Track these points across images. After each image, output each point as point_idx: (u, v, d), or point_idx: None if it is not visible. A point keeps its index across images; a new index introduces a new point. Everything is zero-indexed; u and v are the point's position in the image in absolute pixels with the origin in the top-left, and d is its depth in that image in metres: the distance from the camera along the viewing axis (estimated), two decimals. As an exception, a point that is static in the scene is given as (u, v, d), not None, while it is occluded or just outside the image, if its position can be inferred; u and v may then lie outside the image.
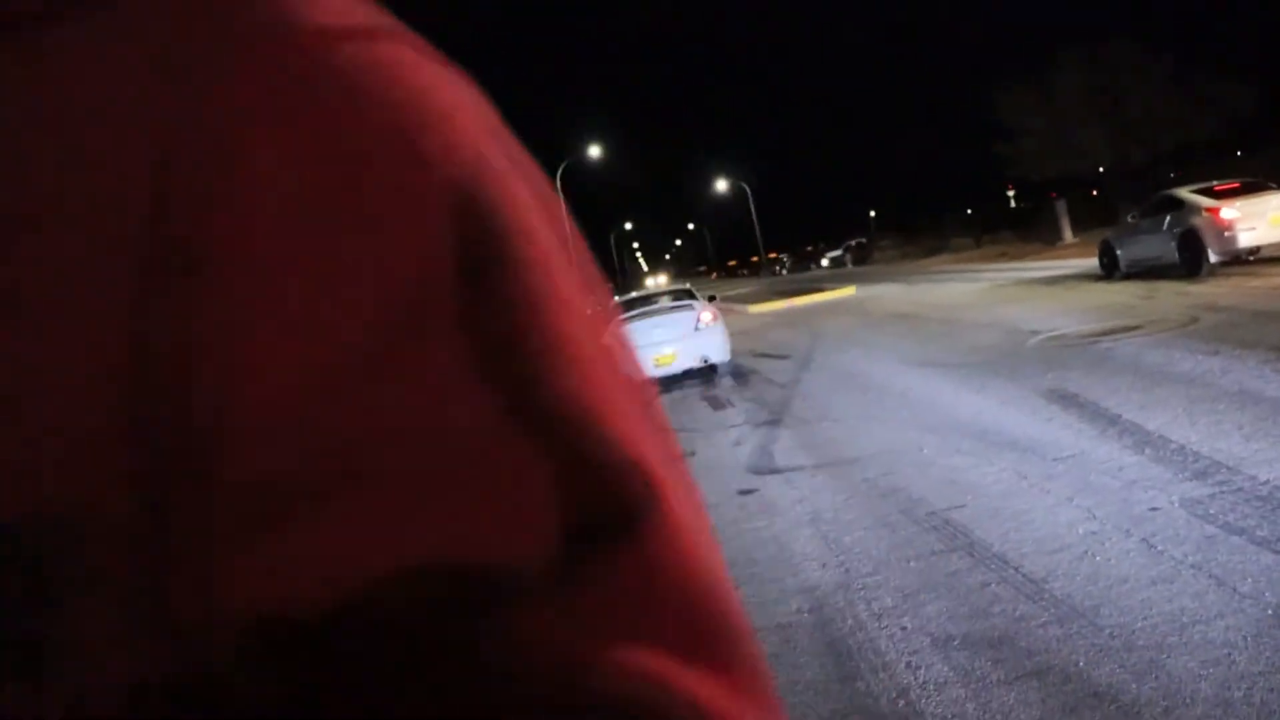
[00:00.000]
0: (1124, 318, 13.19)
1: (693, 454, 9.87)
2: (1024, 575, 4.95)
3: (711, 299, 17.33)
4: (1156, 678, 3.74)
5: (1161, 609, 4.28)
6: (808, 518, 6.72)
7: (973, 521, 5.91)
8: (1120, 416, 7.65)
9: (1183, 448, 6.56)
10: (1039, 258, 31.77)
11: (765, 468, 8.55)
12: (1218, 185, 17.01)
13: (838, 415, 10.31)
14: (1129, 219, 18.77)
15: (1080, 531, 5.39)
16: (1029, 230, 45.37)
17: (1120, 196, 40.22)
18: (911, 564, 5.41)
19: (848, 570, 5.54)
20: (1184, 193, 17.16)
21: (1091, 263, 22.45)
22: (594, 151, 53.30)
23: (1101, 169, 43.27)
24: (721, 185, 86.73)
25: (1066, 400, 8.63)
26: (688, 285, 18.92)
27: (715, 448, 9.97)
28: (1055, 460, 6.85)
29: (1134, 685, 3.72)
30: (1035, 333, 13.22)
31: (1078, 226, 36.86)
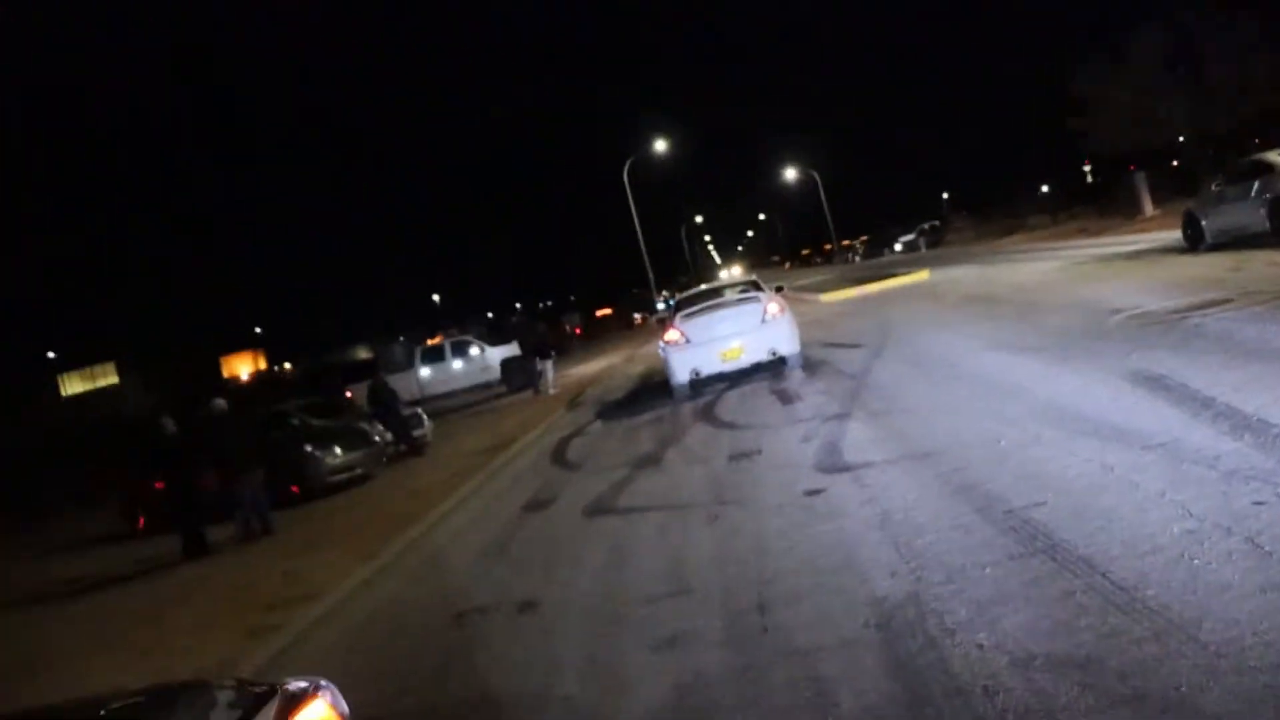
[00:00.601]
0: (1212, 291, 12.41)
1: (759, 452, 9.45)
2: (1113, 582, 4.45)
3: (779, 290, 16.82)
4: (1276, 707, 3.25)
5: (1275, 621, 3.76)
6: (877, 520, 6.26)
7: (1054, 521, 5.40)
8: (1214, 399, 7.03)
9: (1285, 432, 5.98)
10: (1119, 232, 30.56)
11: (834, 465, 8.08)
12: (1308, 147, 16.02)
13: (910, 406, 9.79)
14: (1213, 187, 17.79)
15: (1175, 531, 4.86)
16: (1107, 205, 43.83)
17: (1201, 166, 38.68)
18: (988, 571, 4.94)
19: (919, 578, 5.08)
20: (1274, 156, 16.19)
21: (1174, 235, 21.40)
22: (660, 145, 52.75)
23: (1181, 139, 41.68)
24: (791, 174, 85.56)
25: (1153, 383, 8.01)
26: (754, 277, 18.45)
27: (783, 444, 9.52)
28: (1144, 449, 6.28)
29: (1248, 716, 3.23)
30: (1117, 311, 12.50)
31: (1158, 199, 35.44)
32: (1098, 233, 33.71)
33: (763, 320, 14.95)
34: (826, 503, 7.01)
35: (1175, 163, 41.79)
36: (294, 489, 14.71)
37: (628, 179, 56.23)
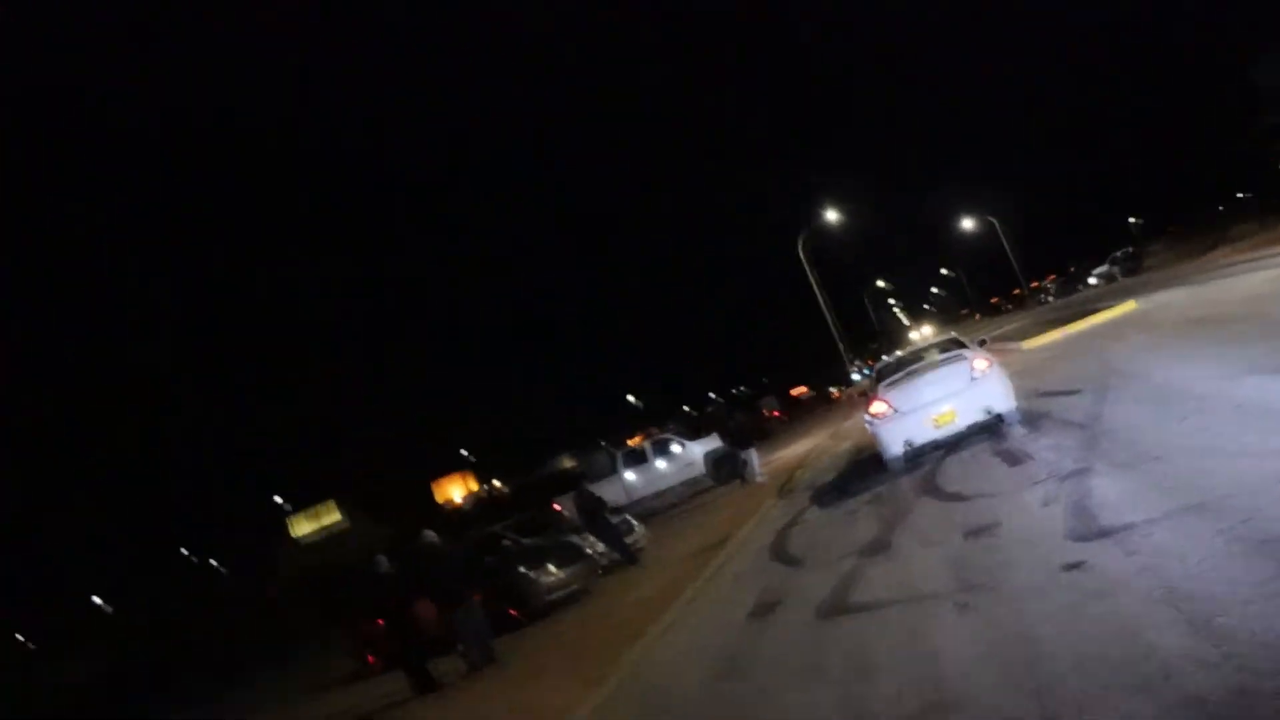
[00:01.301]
0: None
1: (998, 525, 8.51)
2: None
3: (982, 343, 15.77)
4: None
5: None
6: (1160, 593, 5.31)
7: (1396, 575, 4.40)
8: None
9: None
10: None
11: (1089, 531, 7.11)
12: None
13: (1160, 451, 8.66)
14: None
15: None
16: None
17: None
18: (1331, 650, 3.99)
19: (1239, 667, 4.16)
20: None
21: None
22: (832, 215, 52.14)
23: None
24: (968, 224, 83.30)
25: None
26: (953, 334, 17.41)
27: (1023, 513, 8.56)
28: None
29: None
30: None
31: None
32: (1317, 232, 30.95)
33: (971, 378, 13.93)
34: (1092, 577, 6.07)
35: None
36: (512, 612, 14.43)
37: (802, 252, 55.62)
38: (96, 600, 62.91)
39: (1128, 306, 29.03)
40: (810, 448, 27.64)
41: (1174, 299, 26.43)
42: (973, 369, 14.02)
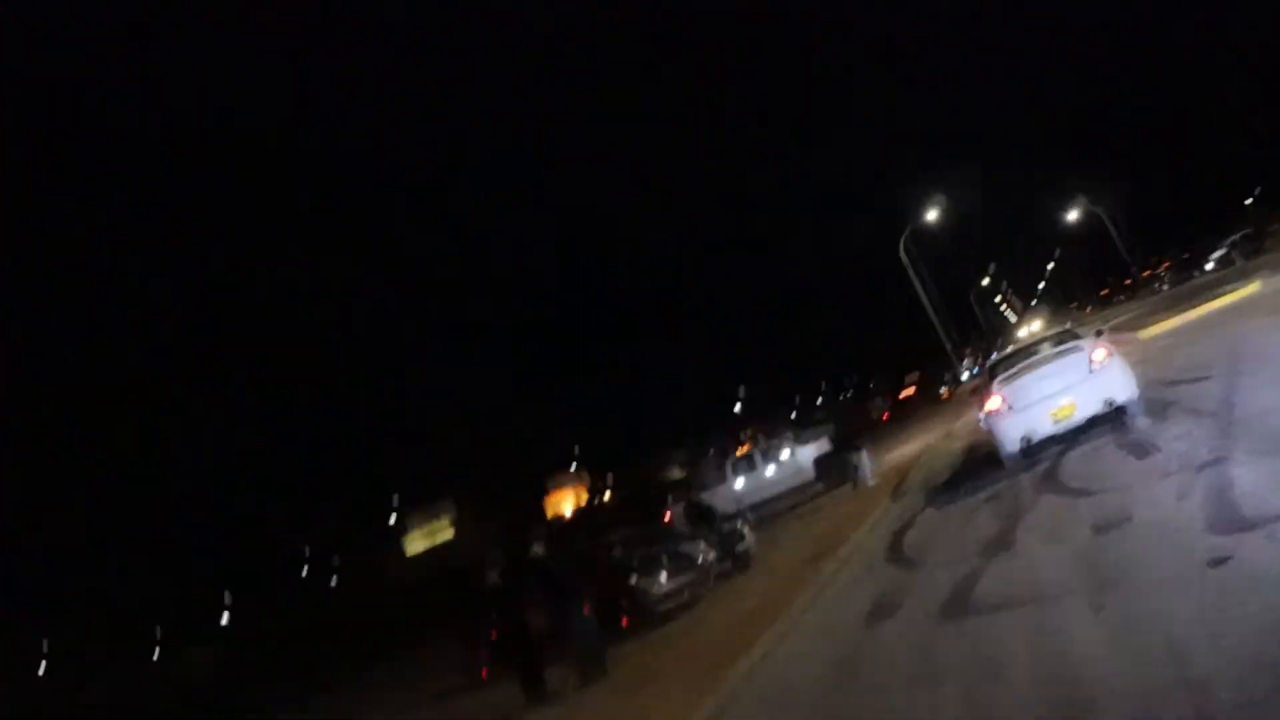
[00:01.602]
0: None
1: (1129, 520, 8.06)
2: None
3: (1098, 334, 15.13)
4: None
5: None
6: (1321, 588, 4.91)
7: None
8: None
9: None
10: None
11: (1232, 523, 6.65)
12: None
13: (1303, 438, 8.14)
14: None
15: None
16: None
17: None
18: None
19: None
20: None
21: None
22: (933, 214, 51.27)
23: None
24: (1073, 215, 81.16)
25: None
26: (1067, 325, 16.77)
27: (1155, 505, 8.09)
28: None
29: None
30: None
31: None
32: None
33: (1090, 370, 13.35)
34: (1241, 573, 5.65)
35: None
36: (624, 621, 14.28)
37: (904, 251, 54.70)
38: (226, 598, 64.44)
39: (1251, 288, 27.72)
40: (922, 447, 26.96)
41: (1301, 279, 25.19)
42: (1091, 360, 13.45)
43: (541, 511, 76.62)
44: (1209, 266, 61.06)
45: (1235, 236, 60.75)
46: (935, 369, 65.61)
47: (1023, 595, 7.35)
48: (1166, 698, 4.49)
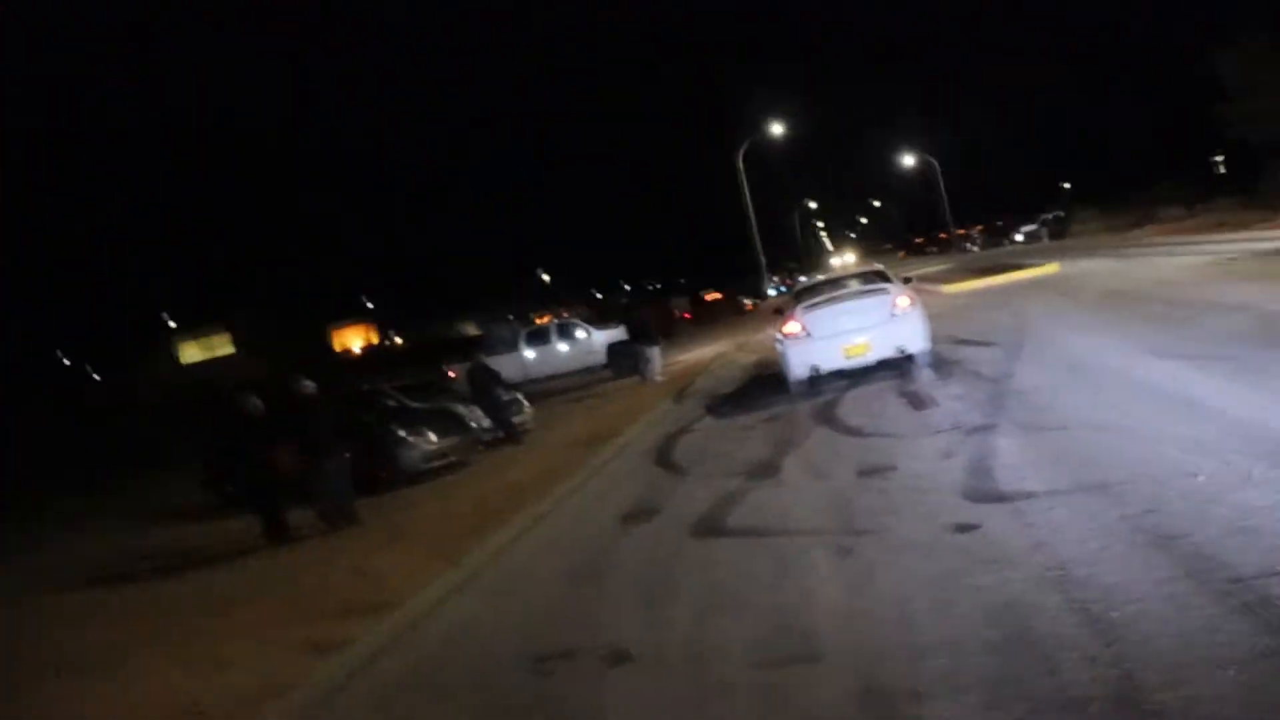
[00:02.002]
0: None
1: (893, 469, 8.19)
2: None
3: (907, 281, 15.44)
4: None
5: None
6: (1054, 575, 4.99)
7: (1308, 601, 4.10)
8: None
9: None
10: (1266, 227, 28.22)
11: (986, 493, 6.80)
12: None
13: (1068, 421, 8.42)
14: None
15: None
16: (1248, 198, 40.97)
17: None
18: (1231, 675, 3.66)
19: (1128, 675, 3.82)
20: None
21: (1341, 232, 19.41)
22: (777, 129, 51.37)
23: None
24: (909, 160, 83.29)
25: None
26: (879, 266, 17.04)
27: (920, 460, 8.25)
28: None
29: None
30: (1301, 317, 10.89)
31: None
32: (1242, 226, 31.30)
33: (891, 314, 13.61)
34: (984, 544, 5.74)
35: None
36: (381, 475, 13.89)
37: (740, 161, 54.80)
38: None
39: (1051, 268, 29.16)
40: (714, 355, 27.34)
41: (1097, 268, 26.57)
42: (894, 305, 13.70)
43: (328, 343, 74.65)
44: (1018, 238, 64.31)
45: (1048, 216, 64.07)
46: (747, 282, 66.78)
47: (775, 525, 7.37)
48: (888, 661, 4.48)
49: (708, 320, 55.02)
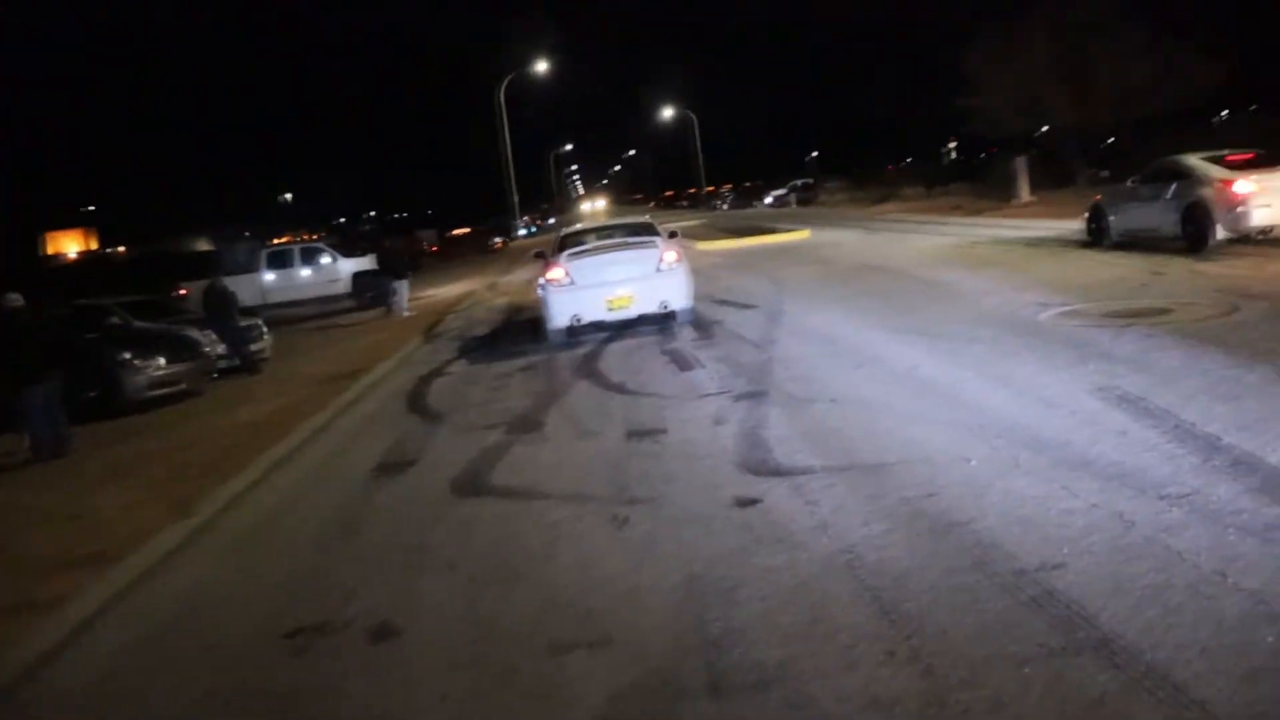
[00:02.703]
0: (1143, 297, 11.61)
1: (664, 432, 8.06)
2: (1215, 715, 3.26)
3: (673, 235, 15.44)
4: None
5: None
6: (843, 560, 4.94)
7: (1087, 597, 4.18)
8: (1220, 439, 5.97)
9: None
10: (998, 214, 30.36)
11: (763, 465, 6.75)
12: (1230, 155, 15.45)
13: (836, 394, 8.55)
14: (1128, 183, 17.20)
15: (1271, 640, 3.70)
16: (981, 185, 44.07)
17: (1073, 157, 38.87)
18: (1027, 673, 3.66)
19: (928, 670, 3.77)
20: (1192, 160, 15.59)
21: (1064, 225, 21.03)
22: (541, 66, 50.75)
23: (1044, 129, 41.71)
24: (668, 112, 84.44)
25: (1131, 405, 6.95)
26: (647, 219, 16.98)
27: (691, 425, 8.16)
28: (1162, 500, 5.15)
29: None
30: (1044, 305, 11.58)
31: (1030, 185, 35.52)
32: (976, 211, 33.61)
33: (657, 268, 13.56)
34: (766, 521, 5.65)
35: (1034, 151, 41.68)
36: (101, 401, 12.64)
37: (501, 96, 53.78)
38: None
39: (802, 234, 30.24)
40: (464, 293, 26.71)
41: (847, 239, 27.71)
42: (661, 259, 13.65)
43: (35, 245, 68.21)
44: (768, 201, 66.72)
45: (797, 183, 66.82)
46: (497, 220, 66.06)
47: (545, 486, 7.05)
48: (680, 650, 4.26)
49: (456, 257, 53.89)
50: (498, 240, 59.54)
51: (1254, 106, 45.36)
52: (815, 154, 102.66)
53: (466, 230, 77.60)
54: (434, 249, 59.92)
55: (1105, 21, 34.87)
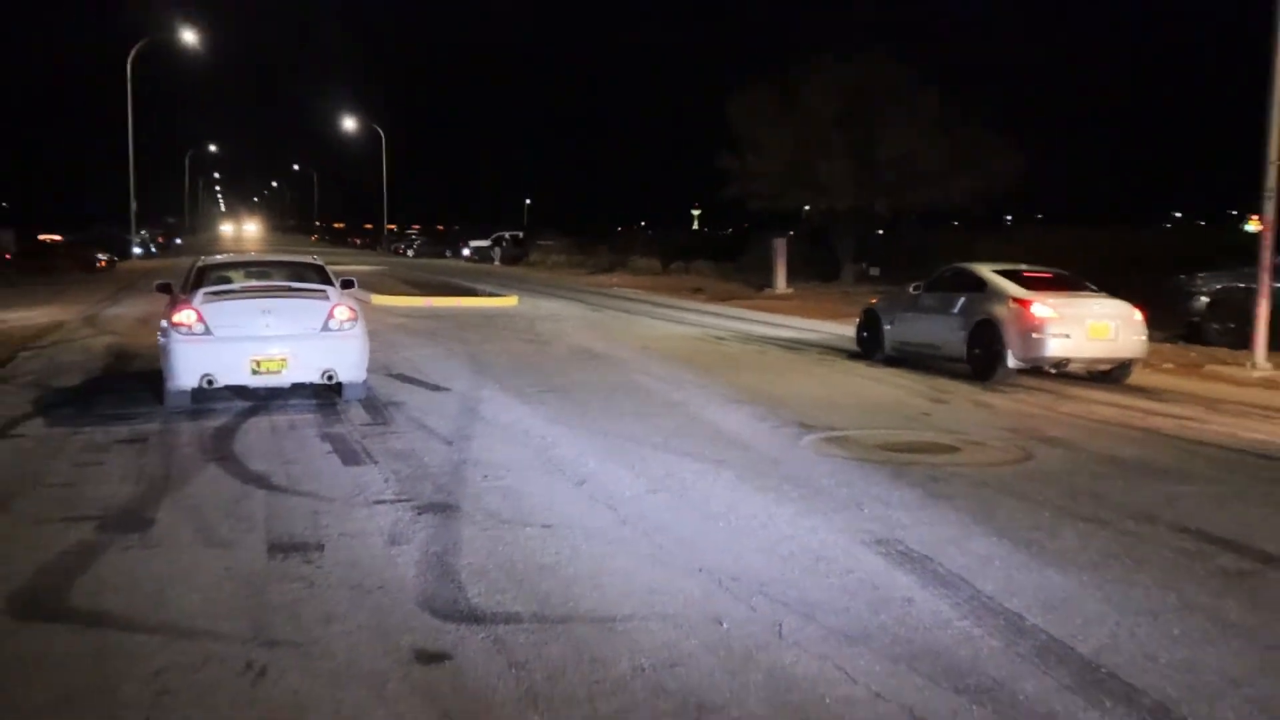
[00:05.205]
0: (924, 428, 12.24)
1: (319, 548, 7.60)
2: None
3: (348, 284, 14.98)
4: None
5: None
6: (559, 750, 4.71)
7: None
8: (1023, 619, 6.20)
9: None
10: (749, 304, 31.70)
11: (455, 607, 6.43)
12: (1027, 271, 16.71)
13: (549, 517, 8.38)
14: (911, 289, 18.24)
15: None
16: (728, 265, 46.01)
17: (843, 244, 41.26)
18: None
19: None
20: (985, 272, 16.74)
21: (826, 328, 22.17)
22: (189, 37, 49.29)
23: (806, 208, 44.05)
24: (350, 124, 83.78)
25: (918, 566, 7.16)
26: (316, 259, 16.44)
27: (359, 542, 7.73)
28: (962, 693, 5.22)
29: None
30: (807, 427, 11.98)
31: (789, 274, 37.28)
32: (722, 297, 34.89)
33: (325, 327, 13.07)
34: (458, 690, 5.31)
35: (796, 233, 44.07)
36: None
37: (131, 67, 51.77)
38: None
39: (509, 300, 30.51)
40: (50, 324, 24.93)
41: (565, 313, 28.10)
42: (331, 315, 13.18)
43: None
44: (465, 252, 67.29)
45: (504, 235, 67.74)
46: (102, 230, 63.11)
47: (151, 614, 6.37)
48: None
49: (40, 272, 50.56)
50: (102, 257, 56.57)
51: (1040, 215, 49.97)
52: (529, 200, 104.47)
53: (57, 238, 73.30)
54: (7, 256, 56.11)
55: (894, 86, 37.39)
